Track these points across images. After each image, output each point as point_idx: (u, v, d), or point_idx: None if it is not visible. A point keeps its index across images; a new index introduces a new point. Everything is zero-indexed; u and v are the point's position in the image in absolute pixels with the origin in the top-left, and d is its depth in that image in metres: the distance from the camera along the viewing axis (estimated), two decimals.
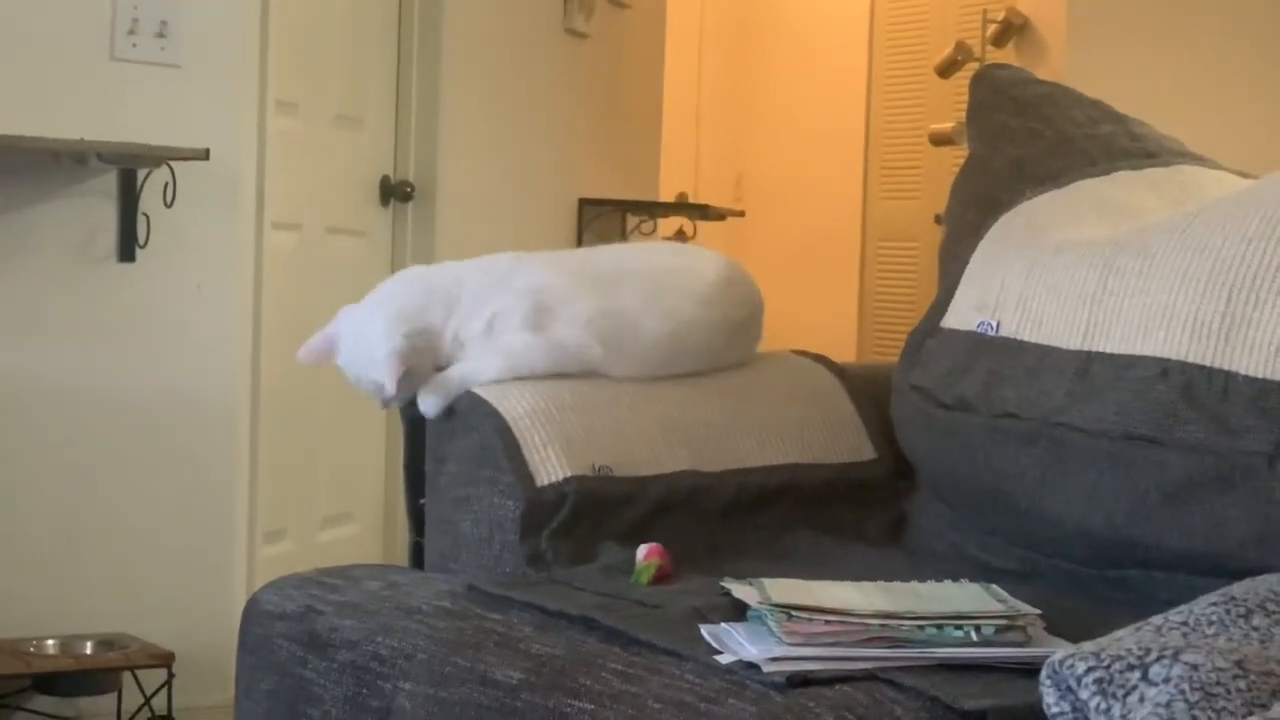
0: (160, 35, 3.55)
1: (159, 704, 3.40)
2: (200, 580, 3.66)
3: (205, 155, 3.47)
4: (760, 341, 2.63)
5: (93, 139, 3.37)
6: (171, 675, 3.39)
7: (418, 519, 2.51)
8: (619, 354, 2.41)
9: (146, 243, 3.52)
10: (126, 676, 3.40)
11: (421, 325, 2.36)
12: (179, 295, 3.61)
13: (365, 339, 2.37)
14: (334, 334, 2.44)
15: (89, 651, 3.40)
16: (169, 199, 3.50)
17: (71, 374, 3.49)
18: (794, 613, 1.72)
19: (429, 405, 2.36)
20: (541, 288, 2.41)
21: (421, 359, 2.35)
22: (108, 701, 3.41)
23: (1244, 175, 2.47)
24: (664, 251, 2.68)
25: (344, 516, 4.30)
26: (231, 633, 2.20)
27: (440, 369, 2.38)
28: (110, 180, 3.50)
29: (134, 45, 3.52)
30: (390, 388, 2.31)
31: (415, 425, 2.50)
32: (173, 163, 3.48)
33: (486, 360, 2.36)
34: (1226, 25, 5.39)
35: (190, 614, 3.61)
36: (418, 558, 2.49)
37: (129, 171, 3.49)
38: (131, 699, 3.41)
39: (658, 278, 2.49)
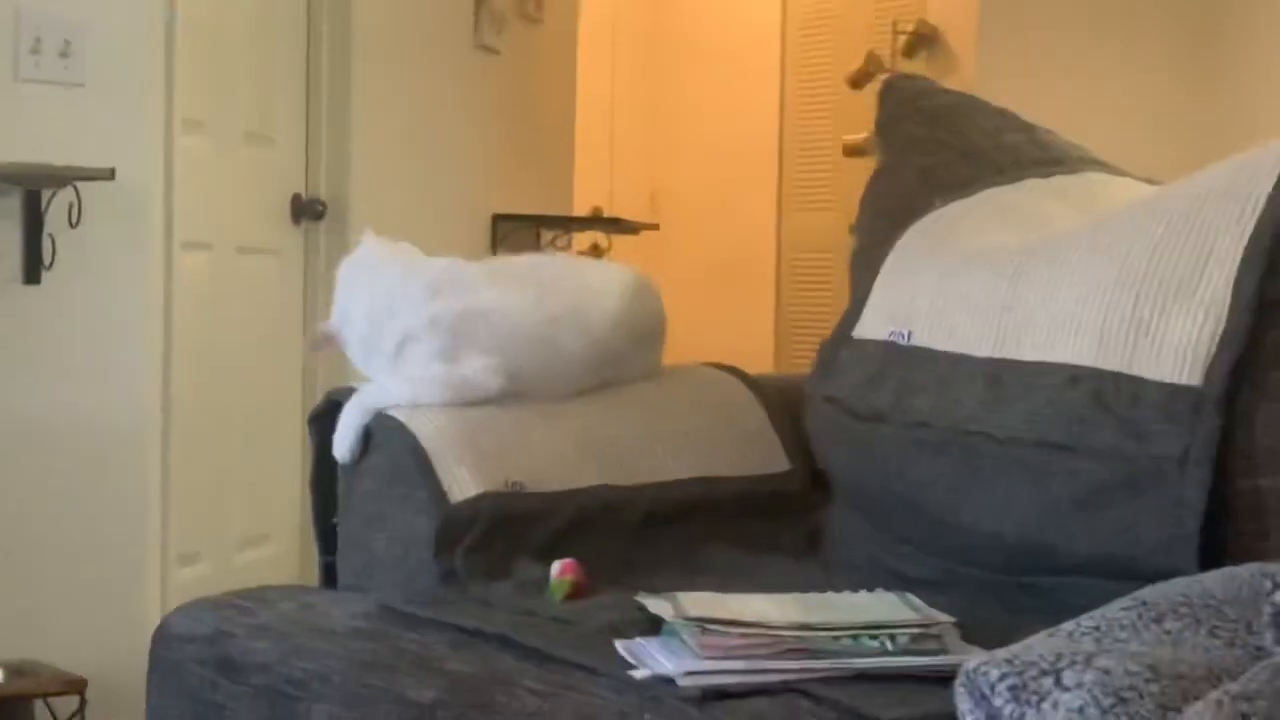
0: (63, 55, 3.50)
1: None
2: (113, 605, 3.61)
3: (111, 175, 3.43)
4: (662, 352, 2.64)
5: None
6: (84, 702, 3.34)
7: (327, 538, 2.49)
8: (527, 383, 2.42)
9: (52, 264, 3.47)
10: (39, 705, 3.34)
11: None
12: (86, 317, 3.56)
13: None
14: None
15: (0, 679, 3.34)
16: (74, 220, 3.46)
17: None
18: (709, 626, 1.72)
19: (342, 450, 2.36)
20: (455, 318, 2.40)
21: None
22: None
23: (1150, 182, 2.49)
24: (573, 265, 2.69)
25: (261, 537, 4.25)
26: (145, 658, 2.18)
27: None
28: (14, 201, 3.45)
29: (37, 64, 3.47)
30: None
31: (325, 444, 2.47)
32: (78, 183, 3.43)
33: (394, 385, 2.36)
34: (1132, 37, 5.46)
35: (103, 639, 3.56)
36: (329, 578, 2.47)
37: (33, 192, 3.44)
38: None
39: (572, 294, 2.48)
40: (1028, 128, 2.58)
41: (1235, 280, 1.93)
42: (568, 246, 5.63)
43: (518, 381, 2.40)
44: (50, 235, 3.46)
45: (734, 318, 7.21)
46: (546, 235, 5.52)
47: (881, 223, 2.49)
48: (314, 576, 4.14)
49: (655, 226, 6.39)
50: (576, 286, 2.50)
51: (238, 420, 4.08)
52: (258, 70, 4.18)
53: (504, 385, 2.39)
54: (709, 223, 7.52)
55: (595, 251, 6.01)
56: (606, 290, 2.50)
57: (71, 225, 3.45)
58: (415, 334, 2.39)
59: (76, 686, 3.33)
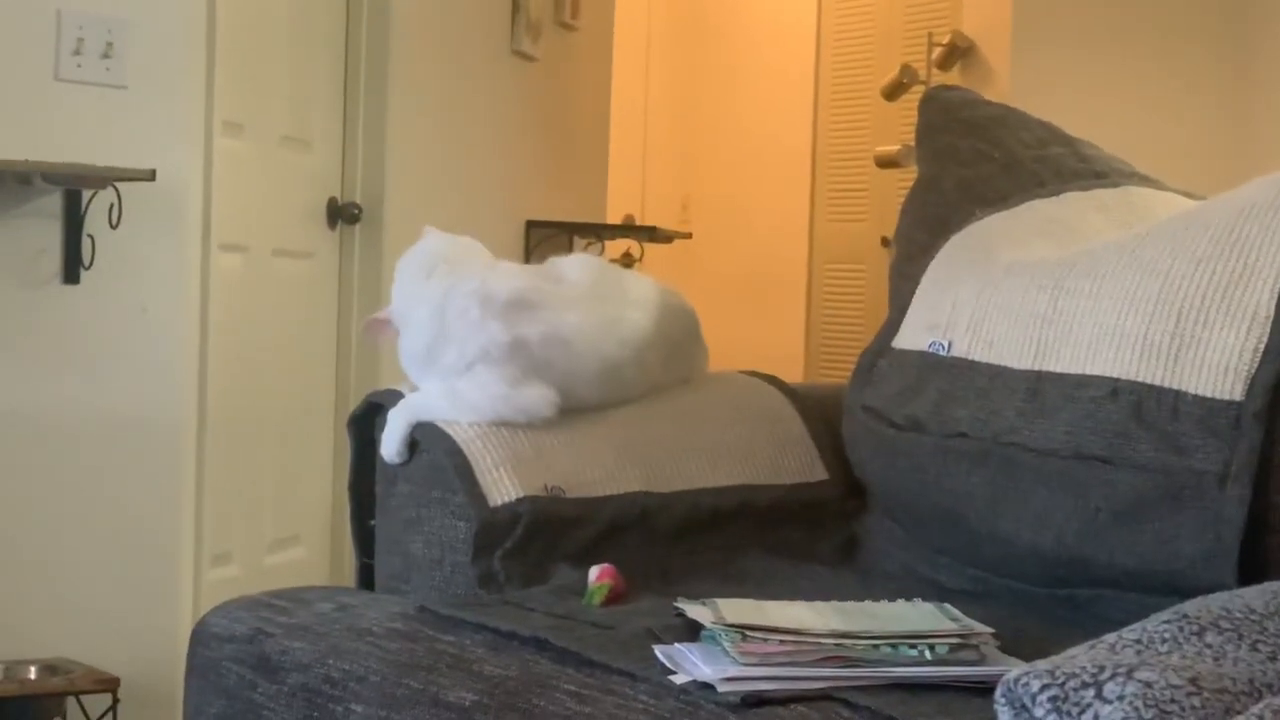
0: (105, 56, 3.52)
1: None
2: (146, 604, 3.62)
3: (151, 176, 3.45)
4: (705, 360, 2.63)
5: (37, 160, 3.33)
6: (116, 700, 3.35)
7: (365, 541, 2.50)
8: (578, 403, 2.41)
9: (91, 264, 3.49)
10: (71, 702, 3.36)
11: None
12: (124, 317, 3.58)
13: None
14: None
15: (32, 677, 3.36)
16: (114, 220, 3.48)
17: (13, 397, 3.46)
18: (748, 633, 1.72)
19: (390, 451, 2.35)
20: (539, 342, 2.35)
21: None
22: None
23: (1190, 196, 2.49)
24: (615, 275, 2.62)
25: (291, 539, 4.27)
26: (177, 657, 2.18)
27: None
28: (55, 201, 3.47)
29: (79, 65, 3.49)
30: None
31: (364, 446, 2.48)
32: (118, 184, 3.45)
33: (443, 402, 2.34)
34: (1166, 51, 5.45)
35: (135, 638, 3.57)
36: (366, 580, 2.48)
37: (74, 193, 3.46)
38: None
39: (616, 307, 2.47)
40: (1069, 141, 2.58)
41: (1279, 295, 1.92)
42: (600, 254, 5.64)
43: (572, 403, 2.38)
44: (90, 236, 3.48)
45: (764, 327, 7.21)
46: (580, 243, 5.53)
47: (921, 233, 2.50)
48: (343, 580, 4.17)
49: (688, 235, 6.40)
50: (636, 309, 2.48)
51: (271, 422, 4.10)
52: (296, 74, 4.20)
53: (556, 412, 2.36)
54: (740, 232, 7.53)
55: (627, 259, 6.01)
56: (653, 312, 2.49)
57: (111, 226, 3.47)
58: (494, 356, 2.33)
59: (109, 685, 3.34)
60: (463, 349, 2.34)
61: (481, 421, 2.32)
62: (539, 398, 2.34)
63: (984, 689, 1.56)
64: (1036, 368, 2.11)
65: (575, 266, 2.52)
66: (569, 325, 2.38)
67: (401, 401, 2.36)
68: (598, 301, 2.44)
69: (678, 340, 2.55)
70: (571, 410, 2.39)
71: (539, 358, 2.35)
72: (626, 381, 2.45)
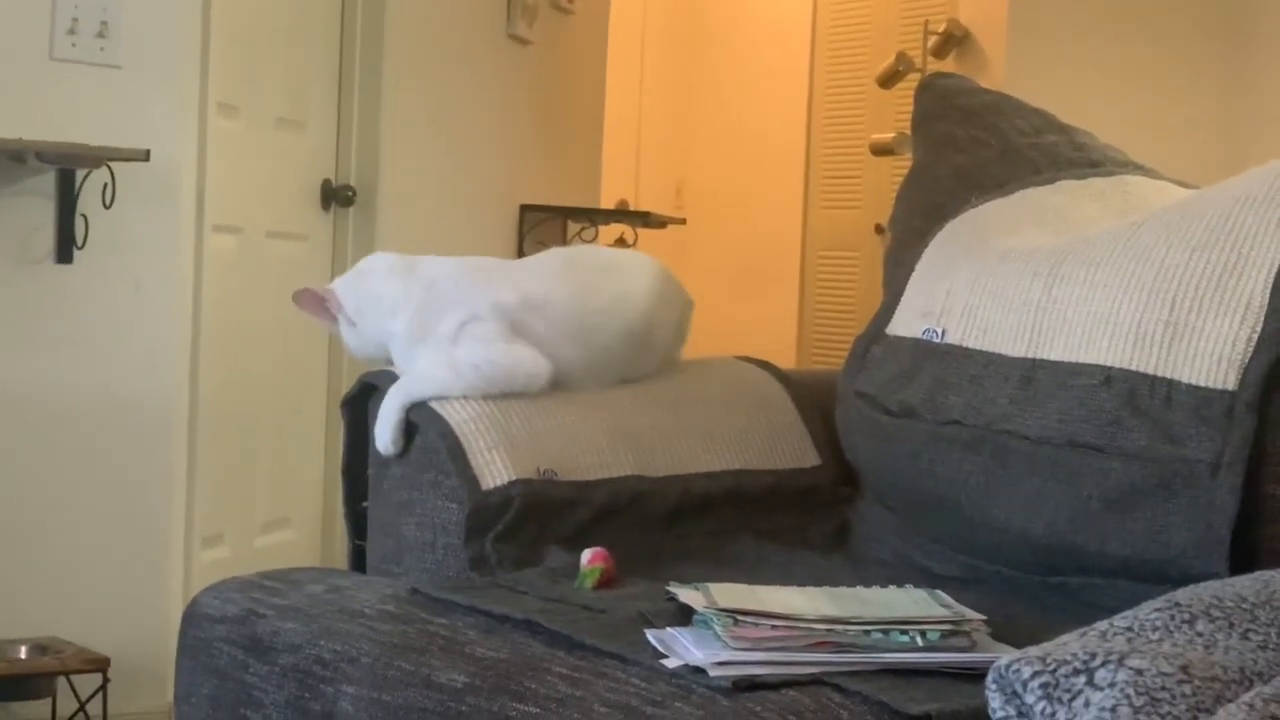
0: (100, 35, 3.51)
1: (94, 709, 3.36)
2: (136, 584, 3.62)
3: (145, 156, 3.44)
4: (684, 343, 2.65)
5: (31, 139, 3.33)
6: (107, 680, 3.35)
7: (358, 523, 2.50)
8: (568, 375, 2.42)
9: (84, 244, 3.48)
10: (61, 682, 3.36)
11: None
12: (117, 297, 3.57)
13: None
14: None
15: (23, 656, 3.36)
16: (108, 200, 3.47)
17: (4, 376, 3.45)
18: (740, 617, 1.72)
19: (384, 442, 2.35)
20: (516, 305, 2.41)
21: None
22: (42, 707, 3.38)
23: (1185, 185, 2.49)
24: (605, 255, 2.67)
25: (281, 521, 4.27)
26: (168, 637, 2.18)
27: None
28: (48, 180, 3.46)
29: (73, 45, 3.48)
30: None
31: (357, 428, 2.48)
32: (112, 163, 3.45)
33: (440, 374, 2.35)
34: (1162, 40, 5.45)
35: (126, 618, 3.58)
36: (358, 562, 2.48)
37: (67, 172, 3.45)
38: (66, 704, 3.37)
39: (609, 286, 2.49)
40: (1065, 129, 2.58)
41: (1273, 285, 1.93)
42: (594, 239, 5.64)
43: (561, 373, 2.40)
44: (83, 215, 3.47)
45: (757, 313, 7.21)
46: (573, 227, 5.52)
47: (916, 220, 2.50)
48: (333, 562, 4.17)
49: (683, 221, 6.40)
50: (612, 277, 2.51)
51: (263, 404, 4.09)
52: (291, 56, 4.19)
53: (551, 376, 2.39)
54: (734, 218, 7.52)
55: (621, 244, 6.01)
56: (639, 280, 2.51)
57: (105, 206, 3.47)
58: (480, 314, 2.39)
59: (99, 665, 3.35)
60: (452, 316, 2.39)
61: (481, 384, 2.33)
62: (531, 357, 2.36)
63: (975, 675, 1.56)
64: (1030, 355, 2.12)
65: (559, 252, 2.62)
66: (537, 292, 2.44)
67: (393, 387, 2.36)
68: (569, 270, 2.51)
69: (674, 321, 2.56)
70: (565, 388, 2.40)
71: (520, 321, 2.39)
72: (618, 357, 2.45)
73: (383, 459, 2.37)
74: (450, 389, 2.33)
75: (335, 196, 4.37)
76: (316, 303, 2.50)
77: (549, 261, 2.56)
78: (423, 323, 2.40)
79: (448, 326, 2.39)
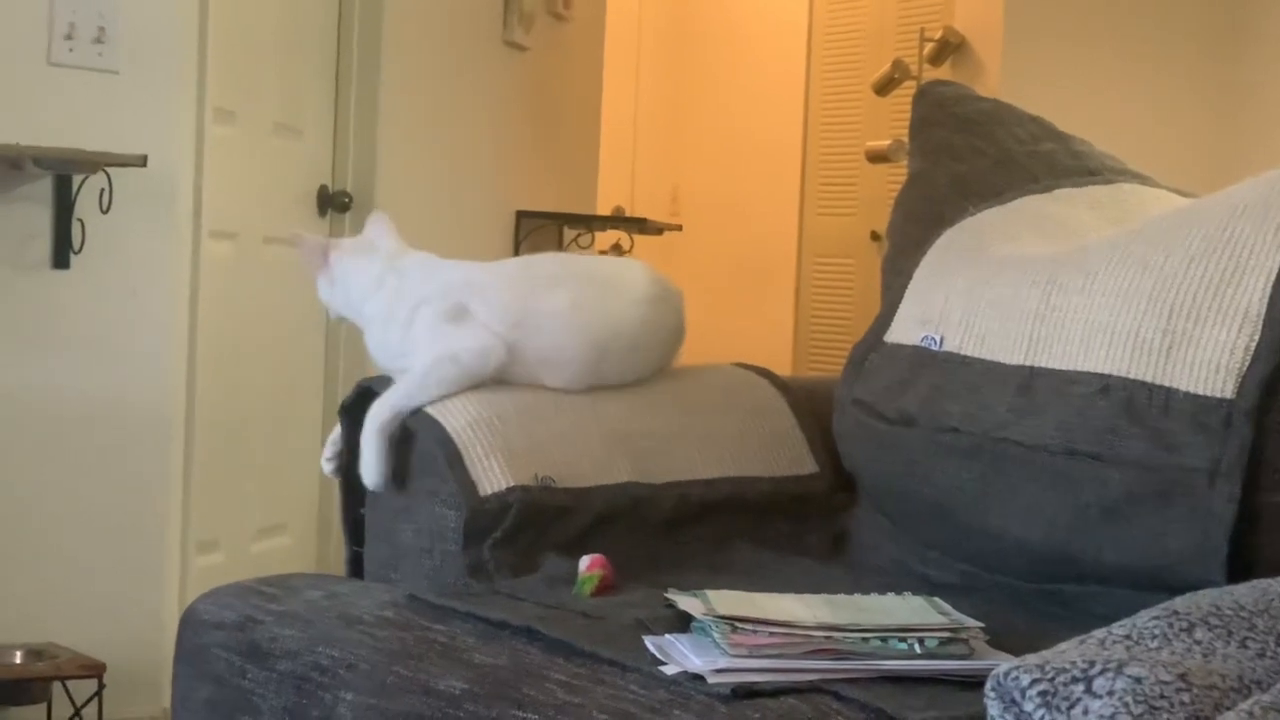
0: (98, 41, 3.52)
1: (89, 714, 3.36)
2: (132, 590, 3.62)
3: (143, 162, 3.45)
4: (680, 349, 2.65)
5: (28, 144, 3.33)
6: (102, 685, 3.35)
7: (356, 529, 2.50)
8: (535, 365, 2.41)
9: (81, 249, 3.49)
10: (57, 687, 3.36)
11: None
12: (114, 302, 3.57)
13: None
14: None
15: (18, 661, 3.36)
16: (105, 205, 3.47)
17: (2, 381, 3.45)
18: (739, 624, 1.73)
19: (372, 478, 2.36)
20: (461, 283, 2.45)
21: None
22: (37, 712, 3.38)
23: (1182, 194, 2.49)
24: (597, 261, 2.71)
25: (277, 527, 4.27)
26: (163, 643, 2.18)
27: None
28: (45, 186, 3.46)
29: (71, 50, 3.48)
30: None
31: (355, 434, 2.48)
32: (109, 169, 3.45)
33: (398, 388, 2.37)
34: (1157, 49, 5.46)
35: (122, 624, 3.57)
36: (356, 568, 2.48)
37: (64, 177, 3.45)
38: (62, 710, 3.37)
39: (591, 284, 2.49)
40: (1062, 136, 2.58)
41: (1270, 293, 1.93)
42: (590, 245, 5.65)
43: (519, 356, 2.40)
44: (80, 220, 3.47)
45: (753, 320, 7.22)
46: (569, 233, 5.53)
47: (914, 228, 2.50)
48: (329, 568, 4.17)
49: (678, 227, 6.41)
50: (602, 278, 2.51)
51: (259, 409, 4.10)
52: (288, 62, 4.20)
53: (505, 353, 2.39)
54: (730, 225, 7.53)
55: (617, 251, 6.02)
56: (632, 282, 2.51)
57: (102, 211, 3.47)
58: (428, 298, 2.43)
59: (95, 670, 3.34)
60: (407, 303, 2.44)
61: (444, 383, 2.35)
62: (472, 334, 2.39)
63: (973, 683, 1.56)
64: (1028, 363, 2.12)
65: (551, 257, 2.73)
66: (488, 275, 2.49)
67: (369, 414, 2.36)
68: (521, 266, 2.60)
69: (668, 326, 2.55)
70: (545, 381, 2.42)
71: (466, 300, 2.42)
72: (607, 355, 2.44)
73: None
74: (413, 398, 2.34)
75: (332, 202, 4.38)
76: (314, 252, 2.55)
77: (520, 259, 2.66)
78: (391, 311, 2.45)
79: (404, 311, 2.43)
